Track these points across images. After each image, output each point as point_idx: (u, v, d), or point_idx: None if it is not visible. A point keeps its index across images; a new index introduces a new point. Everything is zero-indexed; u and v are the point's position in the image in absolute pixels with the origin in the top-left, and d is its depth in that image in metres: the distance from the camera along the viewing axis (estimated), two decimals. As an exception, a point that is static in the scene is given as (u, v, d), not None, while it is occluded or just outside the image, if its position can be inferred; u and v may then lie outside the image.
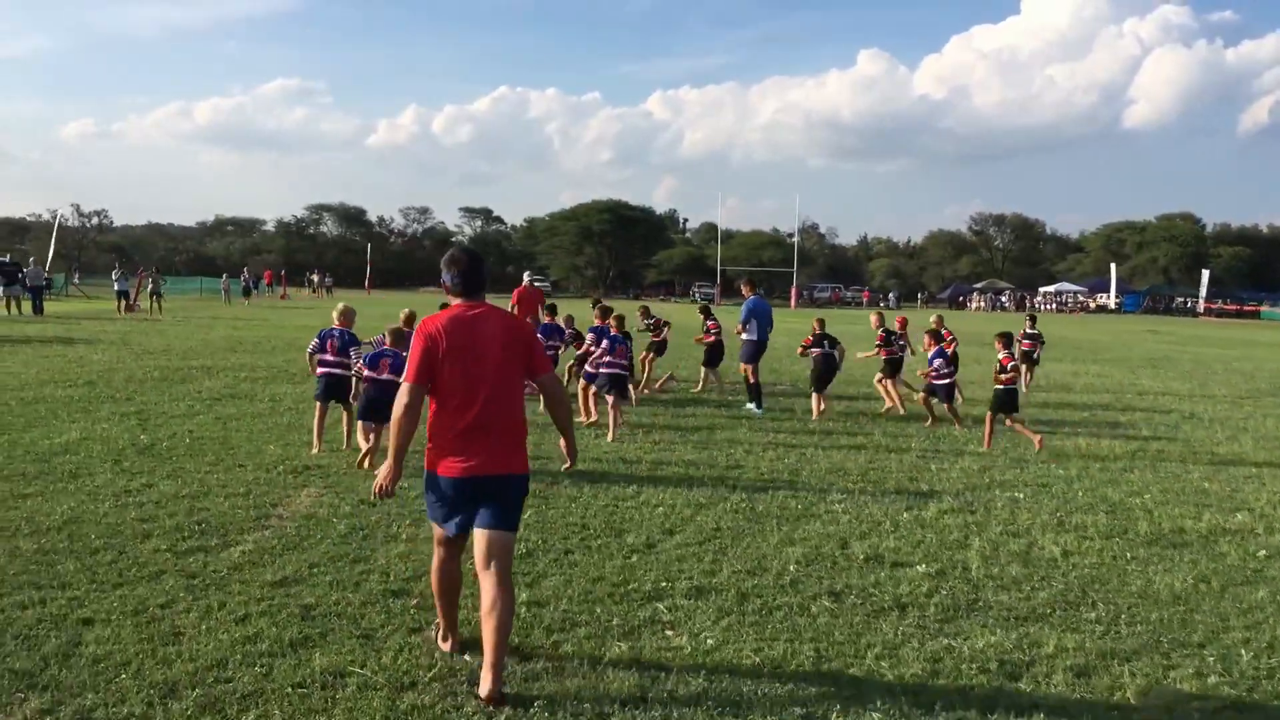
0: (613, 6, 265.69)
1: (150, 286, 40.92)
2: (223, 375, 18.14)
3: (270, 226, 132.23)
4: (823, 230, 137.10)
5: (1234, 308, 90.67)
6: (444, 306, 5.22)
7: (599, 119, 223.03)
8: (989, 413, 13.01)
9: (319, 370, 11.48)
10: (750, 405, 15.30)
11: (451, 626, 5.50)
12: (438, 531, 5.26)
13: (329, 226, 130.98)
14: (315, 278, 78.73)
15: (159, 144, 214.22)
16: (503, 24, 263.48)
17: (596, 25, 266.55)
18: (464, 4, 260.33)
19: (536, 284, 20.92)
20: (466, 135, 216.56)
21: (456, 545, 5.31)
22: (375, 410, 10.25)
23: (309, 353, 11.66)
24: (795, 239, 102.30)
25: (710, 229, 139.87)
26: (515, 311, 17.69)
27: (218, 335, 28.58)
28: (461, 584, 5.61)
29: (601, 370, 13.25)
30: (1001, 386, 12.88)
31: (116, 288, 40.28)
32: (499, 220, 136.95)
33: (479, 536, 5.06)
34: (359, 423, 10.67)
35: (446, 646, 5.50)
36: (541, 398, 5.41)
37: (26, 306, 36.39)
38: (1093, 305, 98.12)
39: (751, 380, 15.43)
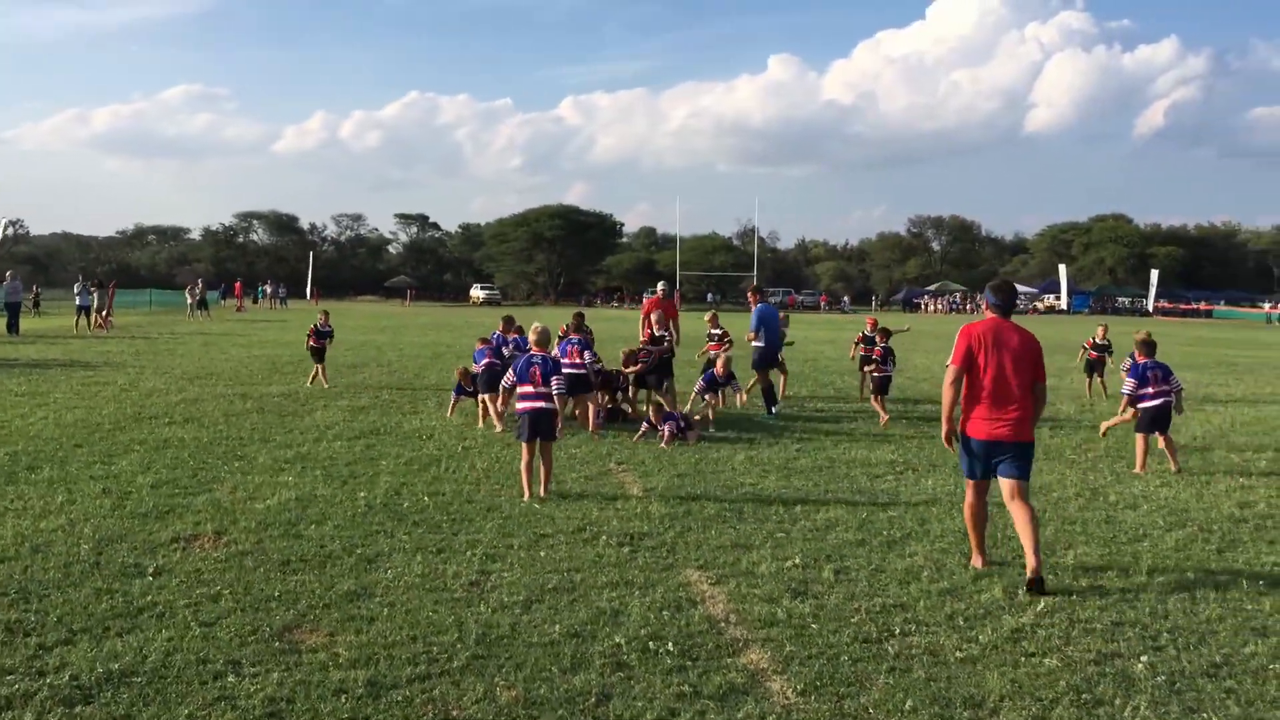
0: (526, 14, 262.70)
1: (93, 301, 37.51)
2: (327, 404, 15.81)
3: (196, 235, 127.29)
4: (764, 234, 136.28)
5: (1187, 307, 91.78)
6: None
7: (510, 125, 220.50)
8: (1139, 433, 11.77)
9: (521, 406, 9.78)
10: (773, 408, 15.68)
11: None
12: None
13: (259, 234, 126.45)
14: (268, 289, 75.19)
15: (56, 151, 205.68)
16: (414, 29, 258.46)
17: (509, 31, 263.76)
18: (374, 9, 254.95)
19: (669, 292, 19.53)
20: (376, 141, 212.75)
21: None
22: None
23: (504, 387, 10.46)
24: (755, 243, 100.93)
25: (648, 233, 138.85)
26: (653, 323, 15.82)
27: (234, 355, 25.95)
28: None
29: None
30: (1151, 404, 11.66)
31: (78, 302, 37.05)
32: (435, 226, 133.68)
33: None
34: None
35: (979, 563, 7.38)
36: None
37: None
38: (1042, 307, 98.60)
39: (764, 385, 15.94)
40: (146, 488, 9.61)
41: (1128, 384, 11.99)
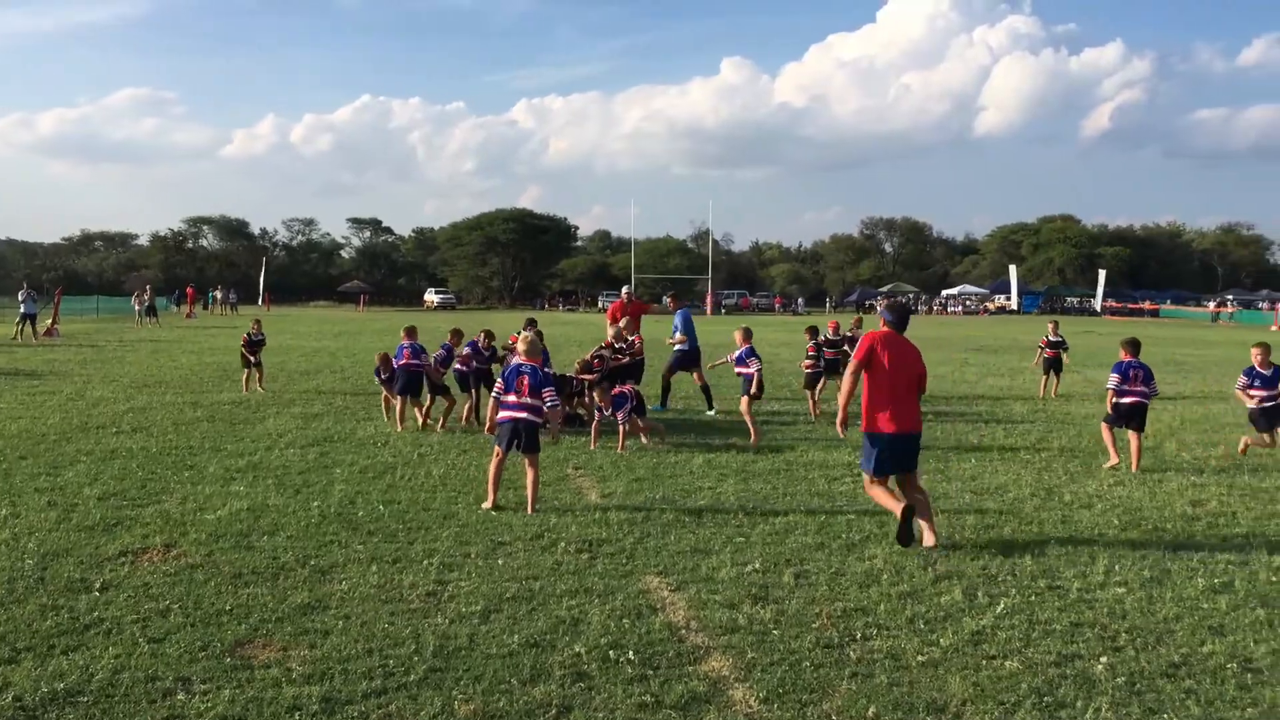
0: (479, 17, 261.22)
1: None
2: (279, 411, 15.59)
3: (144, 241, 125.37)
4: (717, 237, 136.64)
5: (1134, 307, 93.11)
6: None
7: (463, 128, 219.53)
8: (1105, 423, 12.26)
9: (503, 415, 9.58)
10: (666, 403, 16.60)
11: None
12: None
13: (209, 240, 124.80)
14: (219, 294, 74.18)
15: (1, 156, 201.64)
16: (366, 33, 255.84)
17: (462, 35, 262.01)
18: (325, 12, 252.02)
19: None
20: (328, 145, 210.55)
21: None
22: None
23: (493, 397, 9.85)
24: (709, 246, 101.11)
25: (603, 236, 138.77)
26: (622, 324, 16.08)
27: (184, 362, 25.57)
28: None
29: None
30: (1127, 400, 11.99)
31: (22, 310, 36.19)
32: (388, 231, 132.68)
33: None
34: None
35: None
36: None
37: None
38: (993, 307, 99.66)
39: (666, 383, 16.90)
40: (93, 500, 9.40)
41: (1111, 379, 12.19)
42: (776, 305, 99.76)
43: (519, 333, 15.35)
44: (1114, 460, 11.88)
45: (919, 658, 5.73)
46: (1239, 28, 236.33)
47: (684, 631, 6.12)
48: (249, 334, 19.12)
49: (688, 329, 16.92)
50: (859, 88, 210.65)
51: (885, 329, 8.58)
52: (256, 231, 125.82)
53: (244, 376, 18.82)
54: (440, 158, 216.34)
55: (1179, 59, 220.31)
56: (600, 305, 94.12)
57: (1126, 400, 12.03)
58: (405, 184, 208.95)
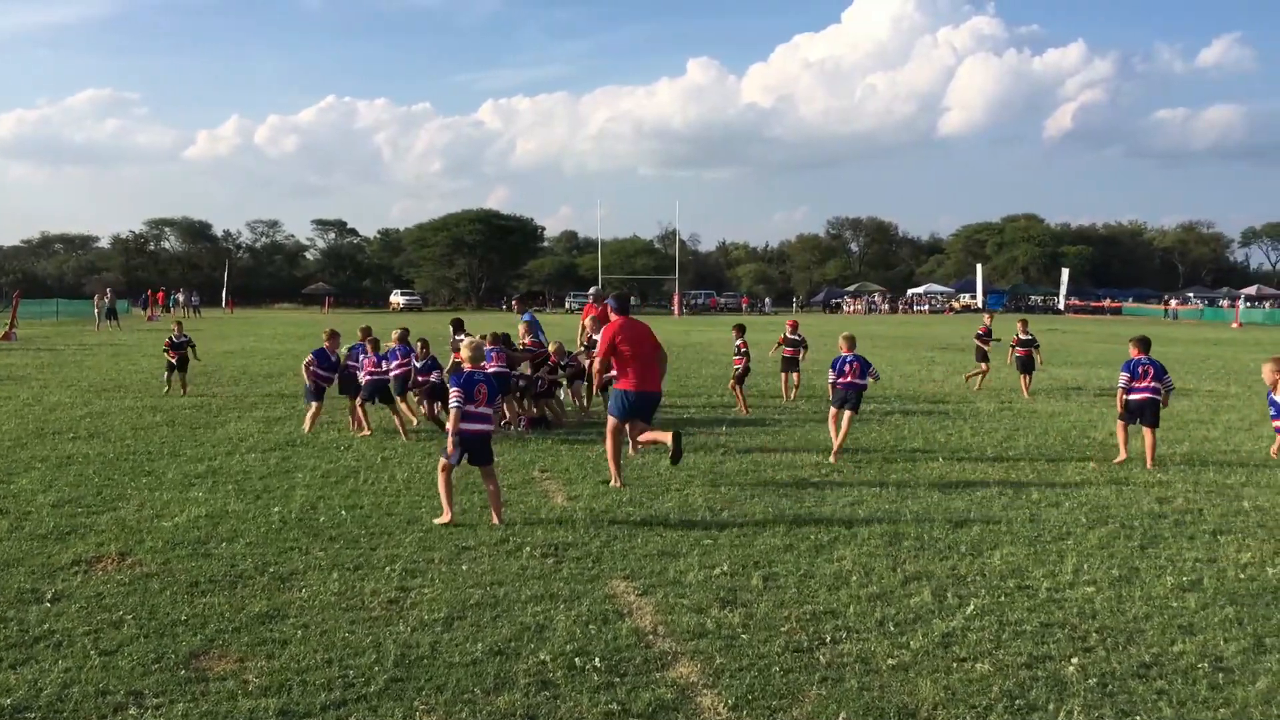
0: (445, 17, 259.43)
1: None
2: (240, 415, 15.35)
3: (105, 243, 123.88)
4: (684, 237, 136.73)
5: (1097, 305, 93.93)
6: None
7: (430, 129, 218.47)
8: (1120, 421, 12.32)
9: (470, 427, 8.89)
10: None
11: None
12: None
13: (171, 242, 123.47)
14: (181, 297, 73.43)
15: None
16: (331, 33, 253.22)
17: (427, 35, 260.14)
18: (290, 13, 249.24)
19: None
20: (293, 146, 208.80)
21: None
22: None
23: (454, 407, 8.86)
24: (676, 246, 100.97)
25: (570, 237, 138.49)
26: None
27: (144, 366, 25.17)
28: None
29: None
30: (1137, 397, 12.13)
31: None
32: (353, 232, 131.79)
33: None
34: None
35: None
36: None
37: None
38: (958, 306, 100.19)
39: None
40: (47, 507, 9.18)
41: (1121, 377, 12.37)
42: (743, 305, 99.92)
43: (483, 335, 15.14)
44: (1122, 456, 12.08)
45: (889, 661, 5.66)
46: (1199, 28, 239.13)
47: (651, 637, 6.02)
48: (171, 337, 18.85)
49: (533, 330, 16.85)
50: (825, 88, 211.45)
51: (619, 318, 10.91)
52: (220, 234, 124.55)
53: (168, 379, 18.52)
54: (407, 159, 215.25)
55: (1140, 59, 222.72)
56: (568, 306, 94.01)
57: (1136, 396, 12.16)
58: (372, 185, 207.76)
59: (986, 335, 21.44)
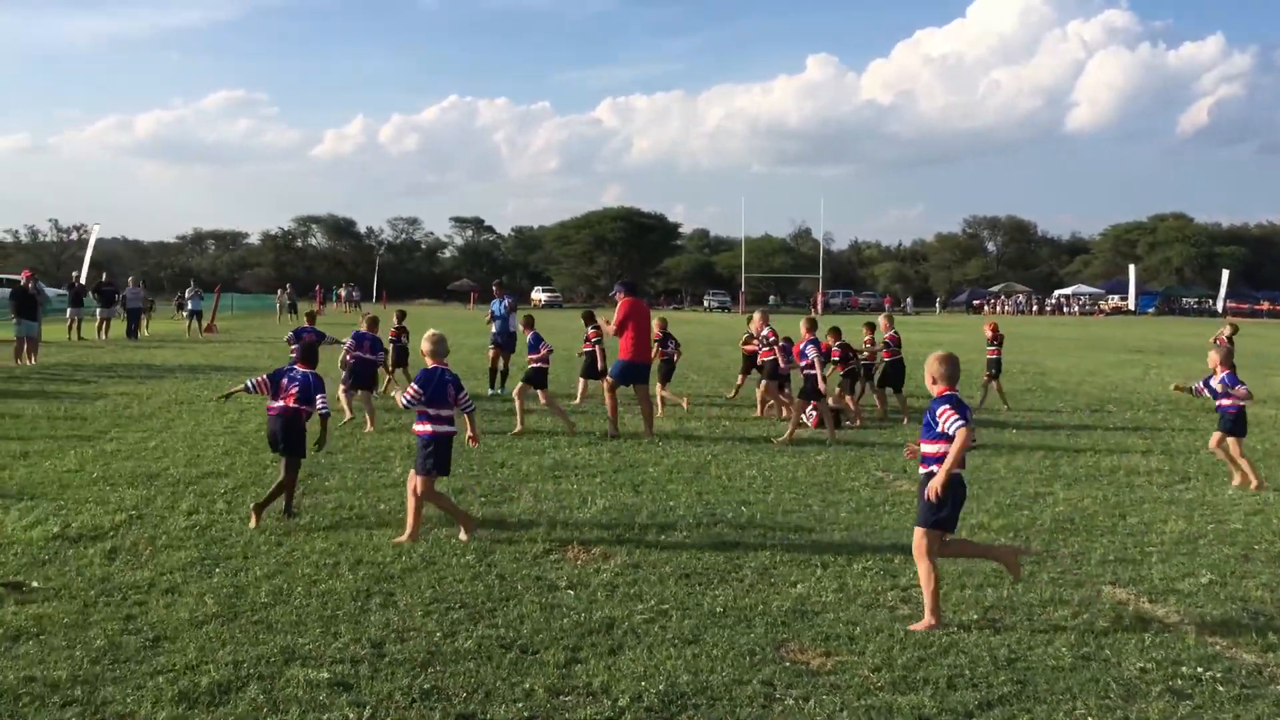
0: (552, 15, 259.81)
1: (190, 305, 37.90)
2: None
3: (255, 239, 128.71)
4: (817, 236, 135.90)
5: (1258, 307, 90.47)
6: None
7: (548, 127, 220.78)
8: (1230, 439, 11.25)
9: (441, 429, 8.14)
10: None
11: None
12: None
13: (318, 238, 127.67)
14: (343, 292, 76.45)
15: (96, 158, 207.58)
16: (448, 31, 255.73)
17: (537, 32, 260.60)
18: (408, 14, 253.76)
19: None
20: (414, 145, 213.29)
21: None
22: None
23: (406, 403, 8.12)
24: (819, 246, 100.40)
25: (702, 235, 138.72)
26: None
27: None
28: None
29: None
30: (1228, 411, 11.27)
31: (190, 307, 37.56)
32: (490, 230, 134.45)
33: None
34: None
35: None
36: None
37: (120, 329, 33.64)
38: (1108, 308, 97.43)
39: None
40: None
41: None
42: (886, 305, 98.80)
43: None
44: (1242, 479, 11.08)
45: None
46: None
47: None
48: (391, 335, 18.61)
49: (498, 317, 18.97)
50: (947, 83, 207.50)
51: (629, 299, 13.33)
52: (363, 230, 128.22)
53: (387, 380, 18.29)
54: (524, 157, 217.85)
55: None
56: (706, 305, 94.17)
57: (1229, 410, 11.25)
58: (485, 183, 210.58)
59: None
